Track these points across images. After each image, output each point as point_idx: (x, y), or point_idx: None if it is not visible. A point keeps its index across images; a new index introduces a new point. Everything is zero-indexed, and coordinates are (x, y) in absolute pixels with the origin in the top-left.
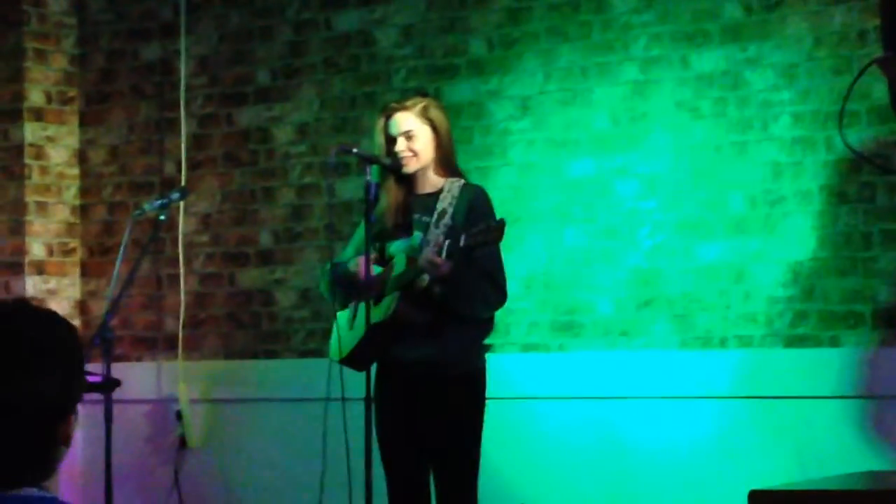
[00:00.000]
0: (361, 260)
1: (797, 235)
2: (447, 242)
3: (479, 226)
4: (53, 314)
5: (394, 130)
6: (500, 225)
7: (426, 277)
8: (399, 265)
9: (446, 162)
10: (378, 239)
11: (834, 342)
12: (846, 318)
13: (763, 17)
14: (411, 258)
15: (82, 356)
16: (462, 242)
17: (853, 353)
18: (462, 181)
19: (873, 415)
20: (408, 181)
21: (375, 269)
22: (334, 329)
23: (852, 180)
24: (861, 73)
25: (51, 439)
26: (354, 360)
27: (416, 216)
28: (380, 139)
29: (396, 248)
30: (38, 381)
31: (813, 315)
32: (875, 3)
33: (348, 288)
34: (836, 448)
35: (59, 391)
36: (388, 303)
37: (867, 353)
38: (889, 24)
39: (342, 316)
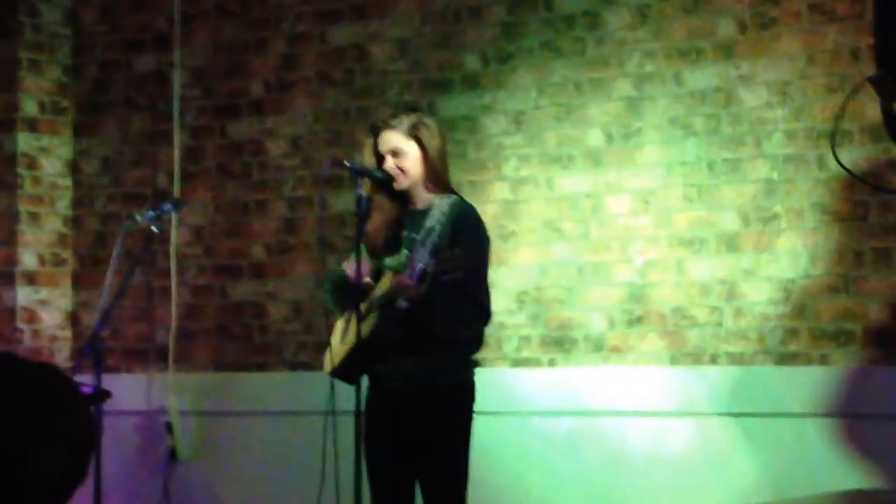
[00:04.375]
0: (351, 263)
1: (789, 253)
2: (418, 266)
3: (446, 252)
4: (74, 385)
5: (382, 148)
6: (468, 254)
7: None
8: (384, 283)
9: (437, 178)
10: (372, 255)
11: (824, 360)
12: (837, 337)
13: (757, 35)
14: (393, 276)
15: (93, 434)
16: (430, 268)
17: (843, 372)
18: (453, 198)
19: (863, 433)
20: (401, 197)
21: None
22: (331, 341)
23: (845, 199)
24: (854, 92)
25: None
26: (343, 373)
27: (406, 233)
28: (370, 157)
29: (387, 265)
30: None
31: (804, 333)
32: (868, 21)
33: (344, 290)
34: (825, 466)
35: (64, 472)
36: (371, 320)
37: (857, 371)
38: (882, 43)
39: (337, 328)
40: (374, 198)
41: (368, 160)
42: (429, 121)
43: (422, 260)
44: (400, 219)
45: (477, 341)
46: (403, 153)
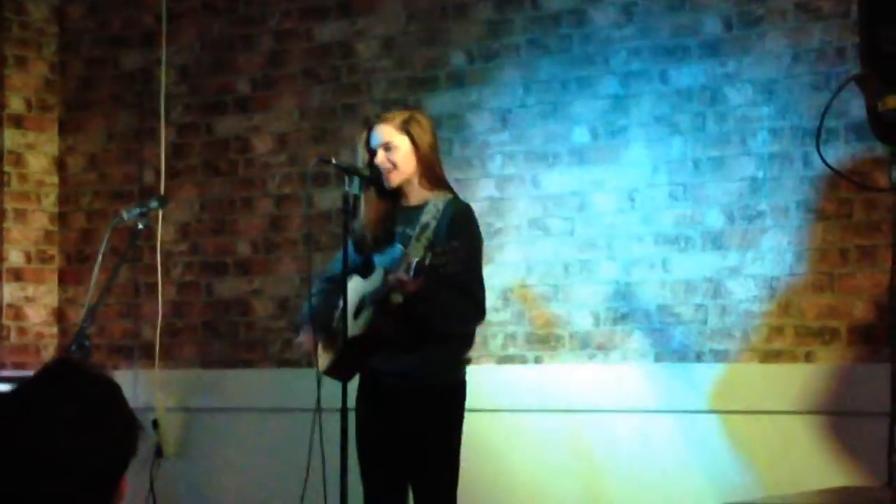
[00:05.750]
0: (308, 340)
1: (774, 251)
2: (415, 260)
3: (444, 245)
4: (100, 374)
5: (374, 143)
6: (465, 247)
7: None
8: (377, 279)
9: (431, 174)
10: (362, 251)
11: (809, 358)
12: (822, 334)
13: (742, 33)
14: (387, 272)
15: (134, 419)
16: (427, 261)
17: (828, 369)
18: (449, 196)
19: (847, 430)
20: (394, 193)
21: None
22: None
23: (830, 196)
24: (839, 90)
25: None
26: (336, 371)
27: (400, 229)
28: (362, 152)
29: (380, 261)
30: (93, 441)
31: (789, 330)
32: (854, 20)
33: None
34: (810, 464)
35: (113, 451)
36: (365, 316)
37: (841, 369)
38: (867, 42)
39: None
40: (365, 194)
41: (362, 154)
42: (421, 117)
43: (417, 254)
44: (392, 215)
45: (471, 339)
46: (394, 147)
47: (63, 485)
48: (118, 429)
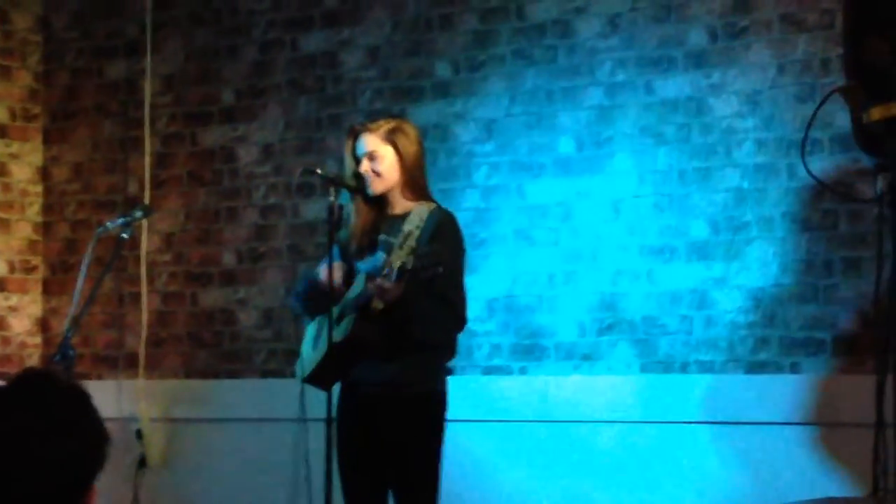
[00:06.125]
0: (325, 268)
1: (759, 262)
2: (396, 266)
3: (426, 250)
4: (69, 384)
5: (359, 151)
6: (447, 250)
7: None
8: (358, 285)
9: (414, 184)
10: (347, 259)
11: (794, 369)
12: (807, 345)
13: (727, 45)
14: (369, 278)
15: (103, 429)
16: (408, 266)
17: (813, 380)
18: (433, 205)
19: (832, 442)
20: (378, 202)
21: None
22: (301, 348)
23: (815, 208)
24: (824, 102)
25: None
26: (317, 379)
27: (383, 237)
28: (348, 160)
29: (362, 267)
30: (59, 451)
31: (774, 341)
32: (838, 31)
33: (316, 295)
34: (794, 474)
35: (79, 462)
36: (347, 323)
37: (827, 380)
38: (852, 53)
39: (308, 335)
40: (352, 202)
41: (348, 162)
42: (407, 127)
43: (399, 260)
44: (376, 224)
45: (452, 348)
46: (379, 157)
47: (28, 495)
48: (85, 439)
